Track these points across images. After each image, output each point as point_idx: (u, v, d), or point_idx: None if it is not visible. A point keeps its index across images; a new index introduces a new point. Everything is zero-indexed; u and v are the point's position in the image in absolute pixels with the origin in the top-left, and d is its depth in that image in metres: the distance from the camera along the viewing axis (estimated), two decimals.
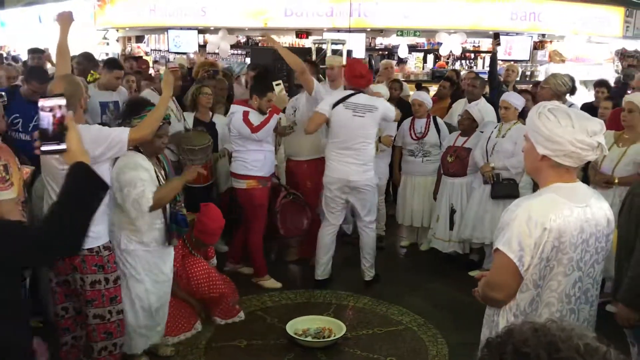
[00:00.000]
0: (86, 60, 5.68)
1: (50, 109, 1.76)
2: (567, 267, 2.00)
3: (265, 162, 4.72)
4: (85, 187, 1.79)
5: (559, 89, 4.94)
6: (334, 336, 3.93)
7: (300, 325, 4.06)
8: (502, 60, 11.84)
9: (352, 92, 4.62)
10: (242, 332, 4.09)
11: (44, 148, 1.77)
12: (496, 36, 6.85)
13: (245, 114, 4.59)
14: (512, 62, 10.12)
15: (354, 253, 5.44)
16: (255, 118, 4.57)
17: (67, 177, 1.79)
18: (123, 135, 2.98)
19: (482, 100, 5.72)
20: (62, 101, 1.77)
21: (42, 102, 1.77)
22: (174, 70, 5.12)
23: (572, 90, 5.27)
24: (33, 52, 6.90)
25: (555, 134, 1.96)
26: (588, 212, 2.02)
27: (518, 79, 11.54)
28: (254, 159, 4.66)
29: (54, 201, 1.83)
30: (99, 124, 4.70)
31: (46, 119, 1.76)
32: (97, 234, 3.05)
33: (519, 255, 1.96)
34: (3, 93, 4.11)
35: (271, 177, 4.90)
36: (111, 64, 5.34)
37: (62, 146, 1.76)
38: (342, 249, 5.82)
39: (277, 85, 4.63)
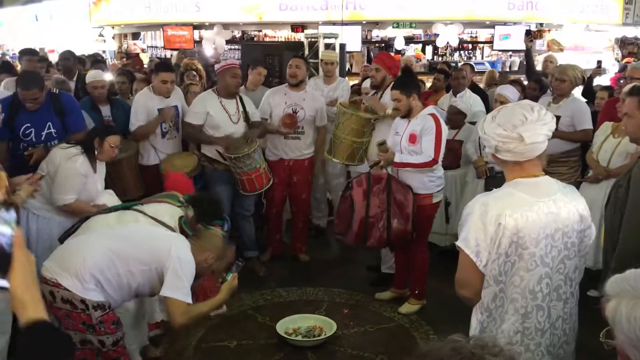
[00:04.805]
0: (72, 58, 5.67)
1: None
2: (528, 262, 1.99)
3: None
4: None
5: (578, 82, 4.88)
6: (325, 335, 3.90)
7: (291, 324, 4.02)
8: (499, 50, 11.78)
9: None
10: (233, 332, 4.06)
11: None
12: (528, 33, 6.91)
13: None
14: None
15: (347, 249, 5.42)
16: None
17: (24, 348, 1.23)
18: (176, 296, 2.81)
19: (467, 91, 5.67)
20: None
21: None
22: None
23: (583, 80, 5.22)
24: (26, 53, 6.04)
25: (484, 132, 2.05)
26: (552, 206, 2.00)
27: (516, 69, 11.50)
28: None
29: None
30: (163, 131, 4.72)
31: None
32: None
33: (475, 251, 1.98)
34: None
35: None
36: (158, 67, 4.89)
37: (3, 283, 1.22)
38: (336, 245, 5.80)
39: (380, 145, 4.14)
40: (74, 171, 3.54)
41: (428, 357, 1.02)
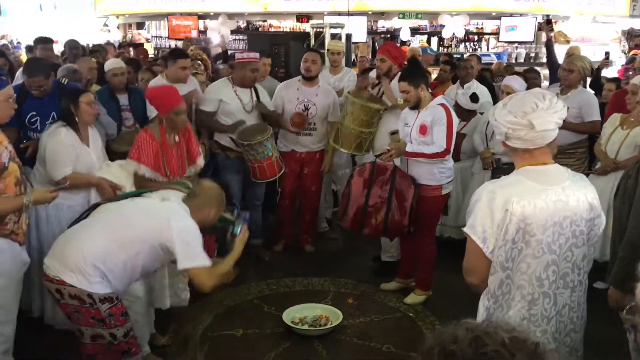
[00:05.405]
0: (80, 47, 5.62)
1: None
2: (535, 249, 2.00)
3: None
4: None
5: (586, 72, 4.85)
6: (331, 324, 3.91)
7: (297, 314, 4.03)
8: (505, 42, 11.72)
9: None
10: (239, 321, 4.07)
11: None
12: (548, 22, 6.82)
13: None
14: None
15: (355, 240, 5.42)
16: None
17: None
18: (196, 264, 2.76)
19: (474, 82, 5.64)
20: None
21: None
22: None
23: (591, 72, 5.18)
24: (41, 42, 5.89)
25: (495, 119, 2.05)
26: (561, 194, 2.02)
27: (522, 60, 11.45)
28: None
29: None
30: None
31: None
32: None
33: (482, 238, 2.00)
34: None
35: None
36: (174, 53, 4.87)
37: None
38: (342, 236, 5.81)
39: (392, 134, 4.17)
40: (60, 143, 3.52)
41: (443, 336, 1.04)
